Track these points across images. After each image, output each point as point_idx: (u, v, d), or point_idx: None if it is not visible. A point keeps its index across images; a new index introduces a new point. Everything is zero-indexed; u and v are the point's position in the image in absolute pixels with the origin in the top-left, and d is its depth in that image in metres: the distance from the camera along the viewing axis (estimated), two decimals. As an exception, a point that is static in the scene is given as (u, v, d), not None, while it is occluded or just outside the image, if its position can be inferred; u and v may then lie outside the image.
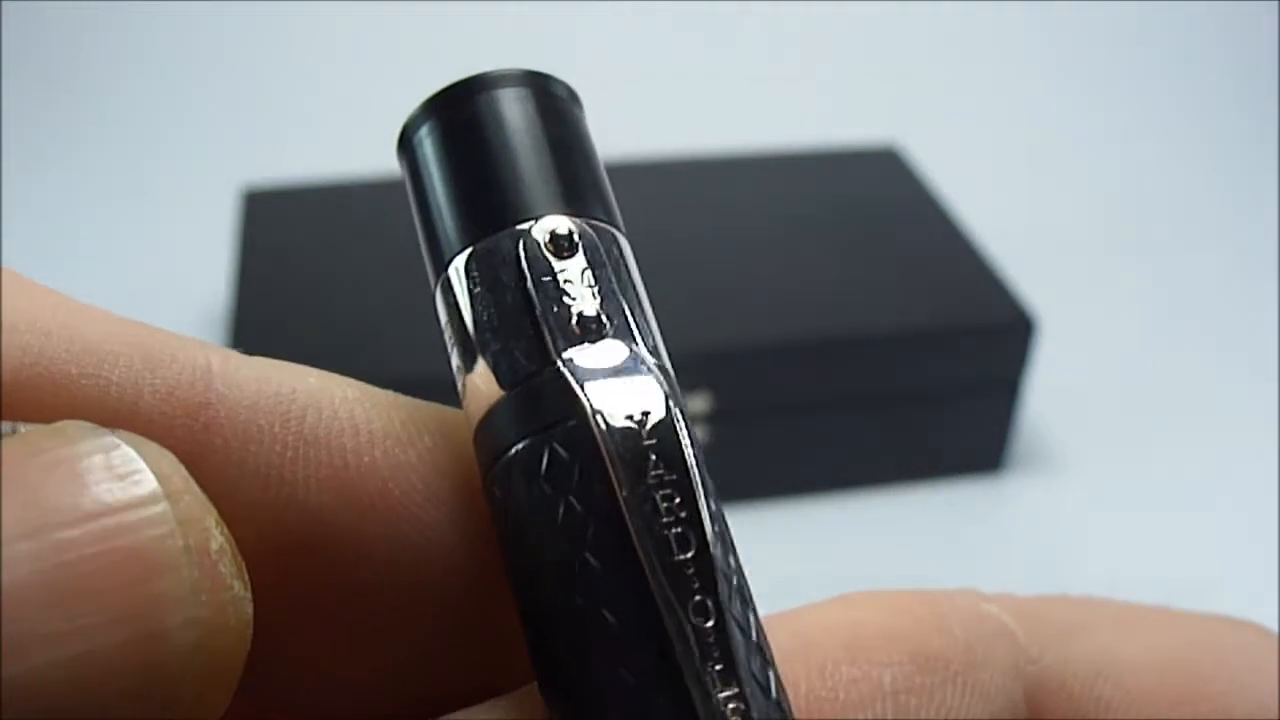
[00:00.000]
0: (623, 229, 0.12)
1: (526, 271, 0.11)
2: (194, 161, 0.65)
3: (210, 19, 0.75)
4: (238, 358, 0.12)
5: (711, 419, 0.46)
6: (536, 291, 0.11)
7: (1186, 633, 0.15)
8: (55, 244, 0.59)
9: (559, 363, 0.11)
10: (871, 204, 0.54)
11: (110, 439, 0.09)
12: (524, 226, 0.11)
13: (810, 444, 0.48)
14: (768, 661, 0.11)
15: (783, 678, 0.11)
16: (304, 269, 0.49)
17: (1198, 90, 0.76)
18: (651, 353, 0.11)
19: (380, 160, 0.57)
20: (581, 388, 0.10)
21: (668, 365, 0.12)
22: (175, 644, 0.09)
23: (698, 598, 0.10)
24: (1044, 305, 0.49)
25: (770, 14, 0.78)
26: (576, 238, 0.11)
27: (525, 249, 0.11)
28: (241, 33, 0.75)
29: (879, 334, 0.47)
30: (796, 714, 0.12)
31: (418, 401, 0.13)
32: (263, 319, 0.45)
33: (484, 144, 0.12)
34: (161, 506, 0.09)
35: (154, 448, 0.10)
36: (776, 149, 0.57)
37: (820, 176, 0.56)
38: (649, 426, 0.10)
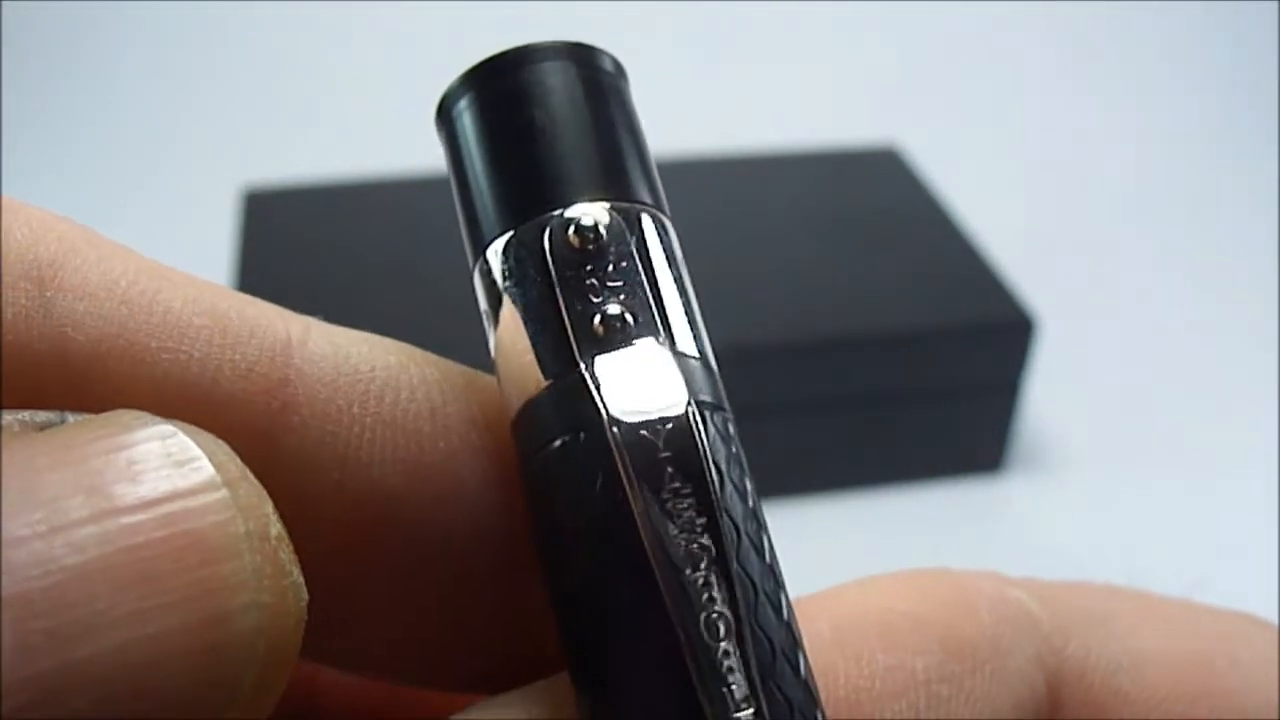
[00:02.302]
0: (664, 209, 0.12)
1: (551, 267, 0.11)
2: (194, 161, 0.65)
3: (211, 19, 0.75)
4: (317, 329, 0.12)
5: (711, 419, 0.46)
6: (561, 289, 0.11)
7: (1204, 627, 0.15)
8: (55, 244, 0.59)
9: (581, 367, 0.10)
10: (871, 204, 0.54)
11: (166, 427, 0.09)
12: (554, 214, 0.11)
13: (810, 444, 0.48)
14: (797, 672, 0.10)
15: (820, 667, 0.11)
16: (304, 269, 0.49)
17: (1199, 90, 0.76)
18: (683, 346, 0.11)
19: (380, 160, 0.57)
20: (600, 396, 0.10)
21: (705, 354, 0.11)
22: (238, 627, 0.09)
23: (714, 612, 0.10)
24: (1044, 305, 0.49)
25: (770, 14, 0.78)
26: (603, 229, 0.11)
27: (551, 242, 0.11)
28: (242, 33, 0.75)
29: (879, 334, 0.47)
30: (836, 707, 0.12)
31: (494, 382, 0.13)
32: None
33: (520, 123, 0.11)
34: (222, 493, 0.09)
35: (208, 436, 0.10)
36: (776, 149, 0.57)
37: (820, 176, 0.56)
38: (665, 436, 0.10)
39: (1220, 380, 0.54)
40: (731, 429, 0.11)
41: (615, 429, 0.10)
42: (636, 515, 0.10)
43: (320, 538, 0.10)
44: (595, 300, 0.11)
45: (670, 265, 0.11)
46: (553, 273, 0.11)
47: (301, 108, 0.70)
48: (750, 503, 0.11)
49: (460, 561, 0.12)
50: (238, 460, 0.10)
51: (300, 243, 0.50)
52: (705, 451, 0.10)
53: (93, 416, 0.10)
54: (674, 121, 0.69)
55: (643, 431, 0.10)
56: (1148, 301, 0.59)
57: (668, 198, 0.12)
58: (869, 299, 0.48)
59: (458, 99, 0.12)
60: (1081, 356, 0.55)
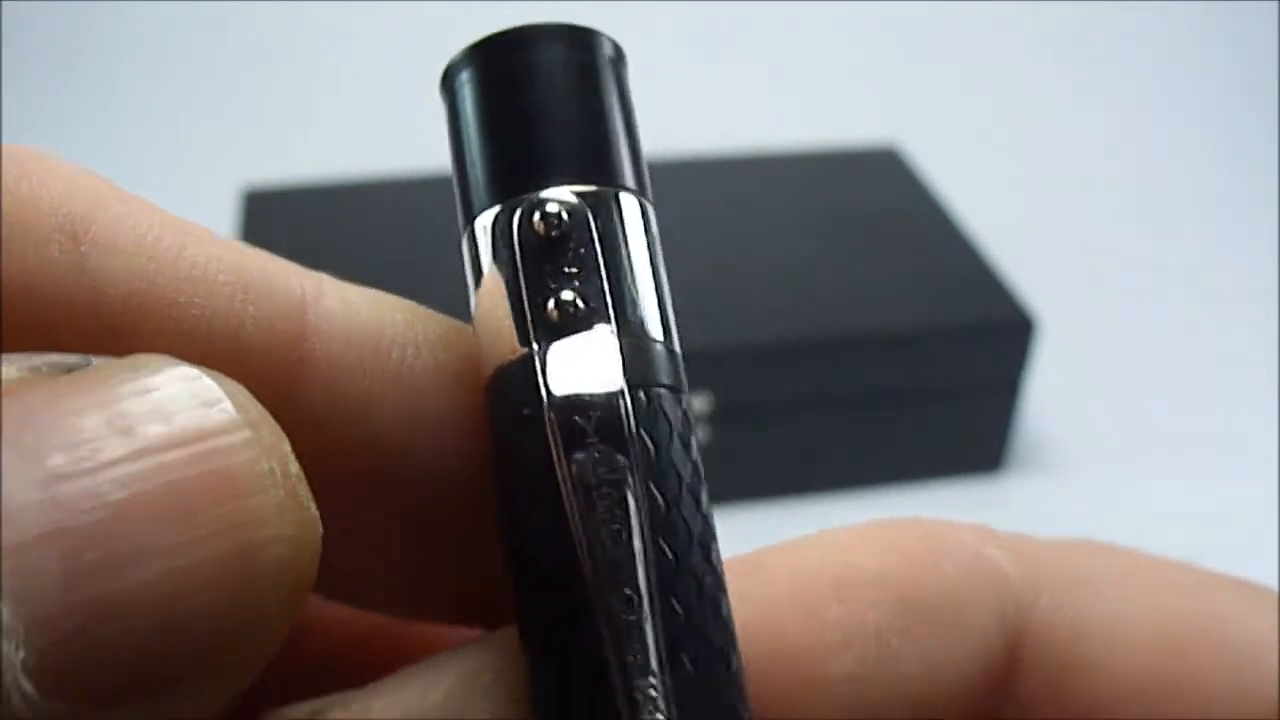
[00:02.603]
0: (647, 193, 0.12)
1: (517, 253, 0.11)
2: (194, 161, 0.65)
3: (211, 19, 0.75)
4: (330, 286, 0.13)
5: (711, 419, 0.46)
6: (524, 274, 0.11)
7: (1196, 597, 0.14)
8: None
9: (532, 350, 0.11)
10: (871, 204, 0.54)
11: (190, 369, 0.10)
12: (527, 197, 0.11)
13: (810, 444, 0.48)
14: (715, 649, 0.11)
15: (771, 621, 0.12)
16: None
17: (1199, 91, 0.76)
18: (640, 330, 0.11)
19: (380, 160, 0.57)
20: (544, 383, 0.11)
21: (669, 335, 0.12)
22: (266, 558, 0.10)
23: (625, 591, 0.11)
24: (1044, 305, 0.49)
25: (770, 14, 0.78)
26: (567, 215, 0.11)
27: (520, 227, 0.11)
28: (242, 33, 0.75)
29: (879, 334, 0.47)
30: (783, 660, 0.13)
31: None
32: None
33: (510, 103, 0.12)
34: (246, 432, 0.10)
35: (228, 380, 0.10)
36: (776, 149, 0.57)
37: (820, 176, 0.56)
38: (595, 424, 0.11)
39: (1220, 380, 0.55)
40: (683, 408, 0.12)
41: (552, 418, 0.11)
42: (565, 499, 0.11)
43: (331, 486, 0.11)
44: (553, 286, 0.11)
45: (645, 250, 0.12)
46: (517, 258, 0.11)
47: (301, 108, 0.70)
48: (687, 478, 0.11)
49: (456, 504, 0.13)
50: (256, 402, 0.10)
51: (300, 243, 0.50)
52: (631, 432, 0.11)
53: (117, 359, 0.10)
54: (673, 121, 0.69)
55: (576, 419, 0.11)
56: (1148, 301, 0.59)
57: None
58: (869, 299, 0.48)
59: (459, 72, 0.12)
60: (1081, 356, 0.55)
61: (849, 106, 0.72)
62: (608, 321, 0.11)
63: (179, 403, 0.10)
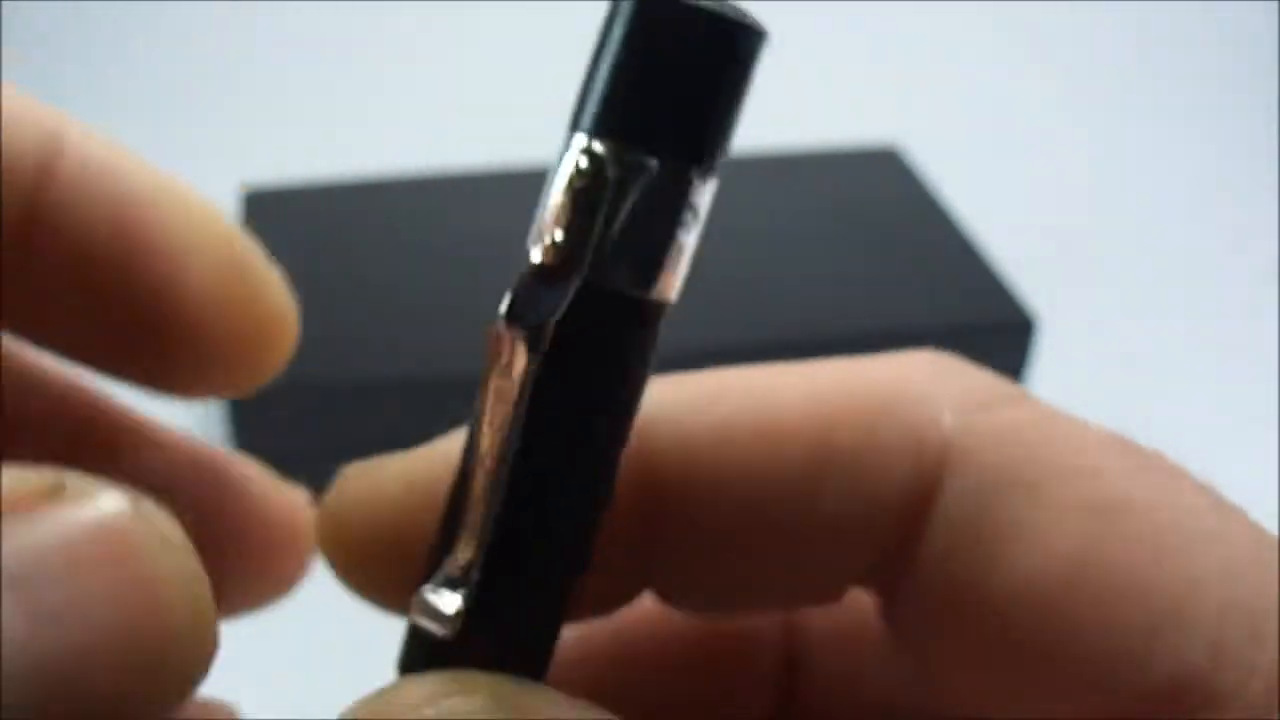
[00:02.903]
0: (699, 168, 0.14)
1: (551, 184, 0.13)
2: (194, 161, 0.65)
3: (211, 19, 0.75)
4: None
5: (711, 419, 0.46)
6: (542, 207, 0.13)
7: (1176, 519, 0.14)
8: (55, 244, 0.59)
9: (513, 279, 0.13)
10: (871, 204, 0.54)
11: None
12: (583, 139, 0.12)
13: (810, 444, 0.48)
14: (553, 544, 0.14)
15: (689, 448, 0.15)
16: (304, 269, 0.48)
17: (1199, 90, 0.76)
18: (607, 282, 0.13)
19: (380, 160, 0.57)
20: (502, 318, 0.13)
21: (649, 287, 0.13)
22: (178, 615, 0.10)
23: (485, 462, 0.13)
24: (1044, 305, 0.49)
25: (770, 14, 0.78)
26: (593, 168, 0.12)
27: (564, 162, 0.13)
28: (242, 32, 0.75)
29: (879, 334, 0.47)
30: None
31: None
32: (263, 319, 0.45)
33: (629, 52, 0.13)
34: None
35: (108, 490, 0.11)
36: (776, 149, 0.57)
37: (820, 176, 0.56)
38: (527, 339, 0.13)
39: (1220, 381, 0.55)
40: (629, 345, 0.13)
41: (493, 348, 0.13)
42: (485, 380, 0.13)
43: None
44: (550, 225, 0.13)
45: (659, 214, 0.13)
46: (549, 191, 0.13)
47: (302, 108, 0.70)
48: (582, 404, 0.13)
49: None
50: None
51: (300, 243, 0.50)
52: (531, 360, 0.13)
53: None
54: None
55: (507, 331, 0.13)
56: (1148, 301, 0.59)
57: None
58: (869, 299, 0.48)
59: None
60: (1081, 356, 0.55)
61: (849, 106, 0.72)
62: (581, 274, 0.12)
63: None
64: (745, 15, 0.13)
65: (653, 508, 0.15)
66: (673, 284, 0.13)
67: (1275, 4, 0.78)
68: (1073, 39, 0.79)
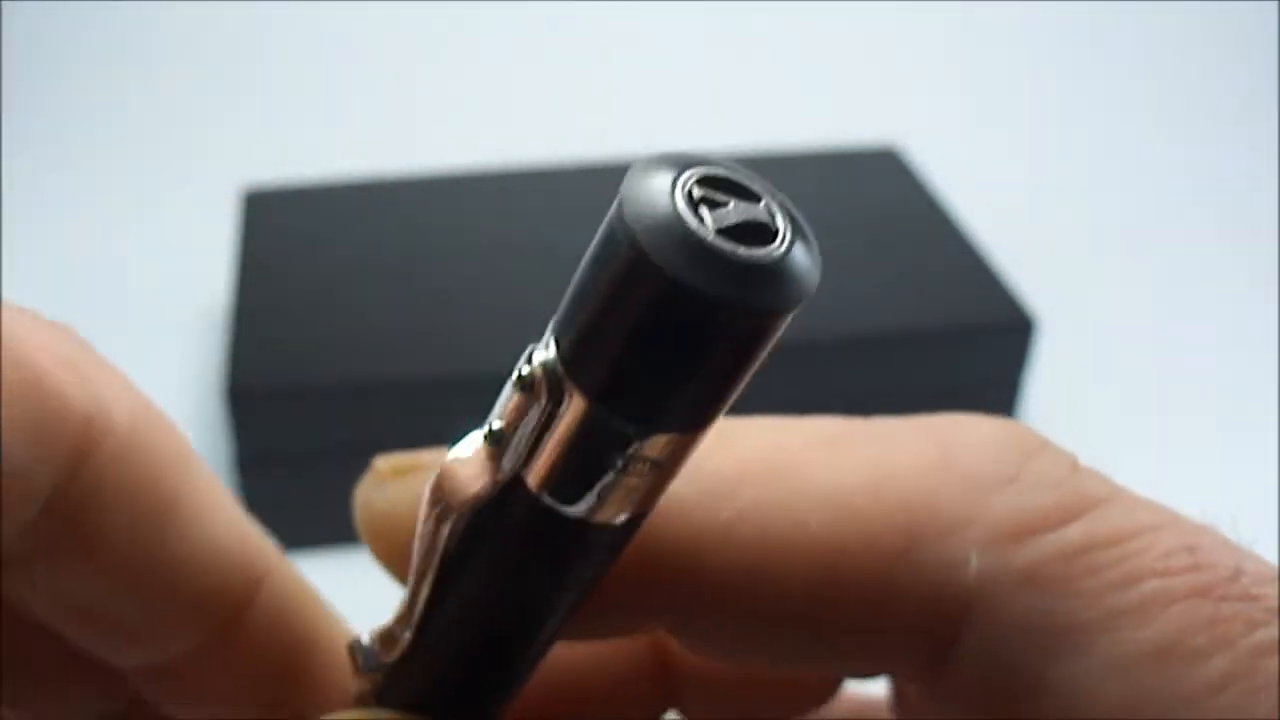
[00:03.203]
0: (636, 425, 0.12)
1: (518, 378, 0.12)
2: (194, 161, 0.65)
3: (211, 19, 0.75)
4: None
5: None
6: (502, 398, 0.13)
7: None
8: (55, 244, 0.59)
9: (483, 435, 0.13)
10: (871, 204, 0.54)
11: None
12: (544, 344, 0.12)
13: (810, 444, 0.48)
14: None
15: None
16: (304, 269, 0.49)
17: (1199, 90, 0.76)
18: (522, 476, 0.13)
19: (380, 160, 0.57)
20: (433, 480, 0.14)
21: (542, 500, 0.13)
22: None
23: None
24: (1044, 305, 0.49)
25: (770, 14, 0.78)
26: (530, 378, 0.12)
27: (521, 373, 0.12)
28: (241, 32, 0.75)
29: (879, 334, 0.47)
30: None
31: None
32: (263, 319, 0.45)
33: (604, 299, 0.11)
34: None
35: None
36: (776, 149, 0.57)
37: (820, 176, 0.56)
38: (457, 521, 0.14)
39: (1220, 381, 0.54)
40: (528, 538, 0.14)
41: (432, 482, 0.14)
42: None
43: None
44: (497, 414, 0.13)
45: (591, 448, 0.12)
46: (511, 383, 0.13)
47: (301, 108, 0.70)
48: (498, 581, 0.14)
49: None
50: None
51: (300, 243, 0.50)
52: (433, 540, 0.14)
53: None
54: (675, 121, 0.70)
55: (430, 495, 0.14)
56: (1148, 301, 0.59)
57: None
58: (869, 299, 0.48)
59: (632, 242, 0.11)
60: (1081, 356, 0.55)
61: (849, 106, 0.72)
62: (506, 464, 0.13)
63: None
64: (745, 300, 0.11)
65: (657, 578, 0.14)
66: (608, 513, 0.13)
67: (1275, 4, 0.78)
68: (1073, 39, 0.79)
